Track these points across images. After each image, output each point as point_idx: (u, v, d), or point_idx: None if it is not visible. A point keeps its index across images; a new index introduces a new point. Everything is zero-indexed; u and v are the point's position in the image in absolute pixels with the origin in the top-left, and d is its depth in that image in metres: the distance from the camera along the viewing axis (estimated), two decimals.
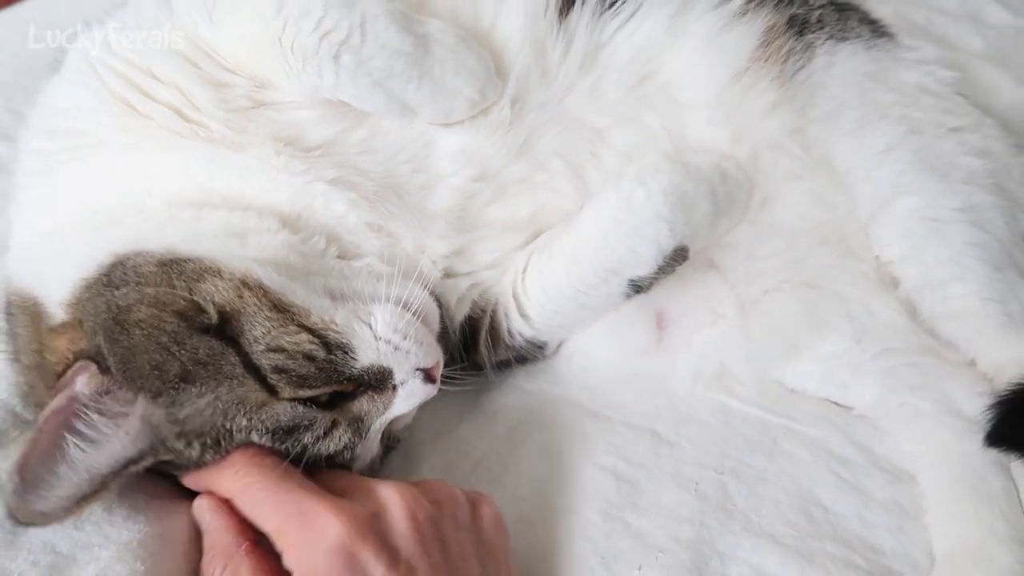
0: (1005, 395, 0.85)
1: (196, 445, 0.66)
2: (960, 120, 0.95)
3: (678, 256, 0.83)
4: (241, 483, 0.65)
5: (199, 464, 0.67)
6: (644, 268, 0.82)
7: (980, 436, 0.84)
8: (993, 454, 0.84)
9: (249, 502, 0.65)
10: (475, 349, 0.88)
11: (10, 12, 1.32)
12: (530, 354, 0.91)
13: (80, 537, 0.65)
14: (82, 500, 0.63)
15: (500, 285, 0.88)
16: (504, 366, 0.90)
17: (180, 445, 0.65)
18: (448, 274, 0.85)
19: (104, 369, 0.65)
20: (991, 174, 0.91)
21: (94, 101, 0.76)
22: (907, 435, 0.88)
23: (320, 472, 0.68)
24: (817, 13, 0.96)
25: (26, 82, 1.12)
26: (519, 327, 0.87)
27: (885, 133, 0.91)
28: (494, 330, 0.88)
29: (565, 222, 0.87)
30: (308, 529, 0.62)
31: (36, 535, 0.65)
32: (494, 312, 0.87)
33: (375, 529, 0.62)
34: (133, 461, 0.65)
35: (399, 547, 0.62)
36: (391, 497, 0.65)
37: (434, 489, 0.69)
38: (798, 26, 0.93)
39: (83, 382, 0.64)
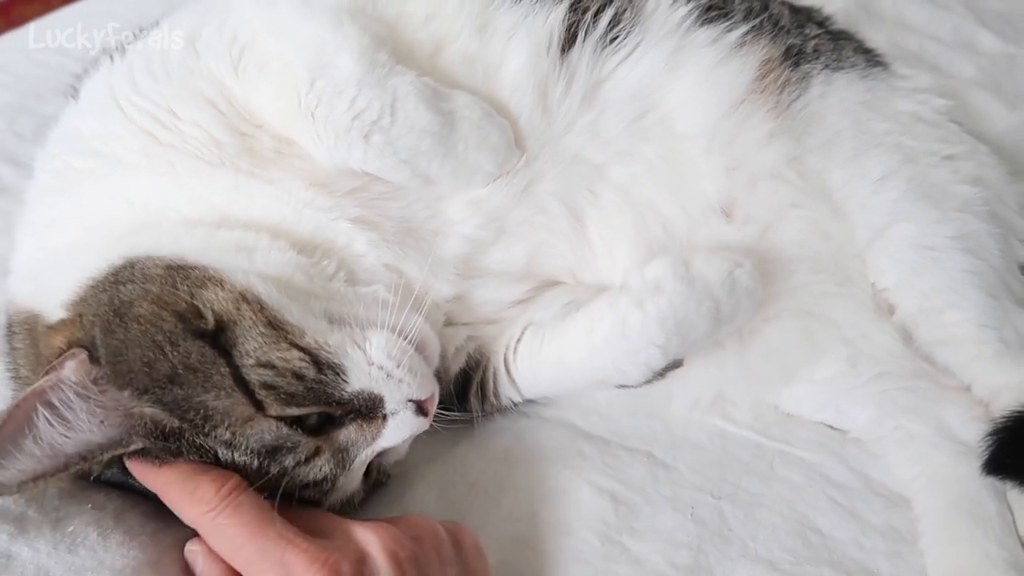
0: (1003, 422, 0.85)
1: (173, 445, 0.65)
2: (954, 148, 0.96)
3: (671, 367, 0.83)
4: (213, 523, 0.63)
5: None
6: (632, 383, 0.82)
7: (975, 460, 0.84)
8: (988, 478, 0.84)
9: (226, 546, 0.63)
10: (465, 398, 0.88)
11: (14, 35, 1.33)
12: (519, 407, 0.91)
13: (74, 562, 0.65)
14: (39, 478, 0.63)
15: (495, 344, 0.88)
16: (491, 415, 0.91)
17: (153, 443, 0.65)
18: (449, 322, 0.86)
19: (95, 359, 0.65)
20: (985, 202, 0.92)
21: (120, 129, 0.77)
22: (902, 459, 0.89)
23: (294, 508, 0.67)
24: (813, 43, 0.98)
25: (31, 105, 1.12)
26: (506, 391, 0.88)
27: (880, 162, 0.92)
28: (483, 385, 0.88)
29: (563, 290, 0.88)
30: None
31: (30, 559, 0.64)
32: (484, 370, 0.88)
33: None
34: (102, 448, 0.64)
35: None
36: (371, 540, 0.64)
37: (414, 525, 0.68)
38: (794, 56, 0.95)
39: (72, 367, 0.64)
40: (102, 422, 0.64)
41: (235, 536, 0.62)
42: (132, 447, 0.65)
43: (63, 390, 0.63)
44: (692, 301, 0.79)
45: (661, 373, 0.82)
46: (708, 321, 0.80)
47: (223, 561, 0.64)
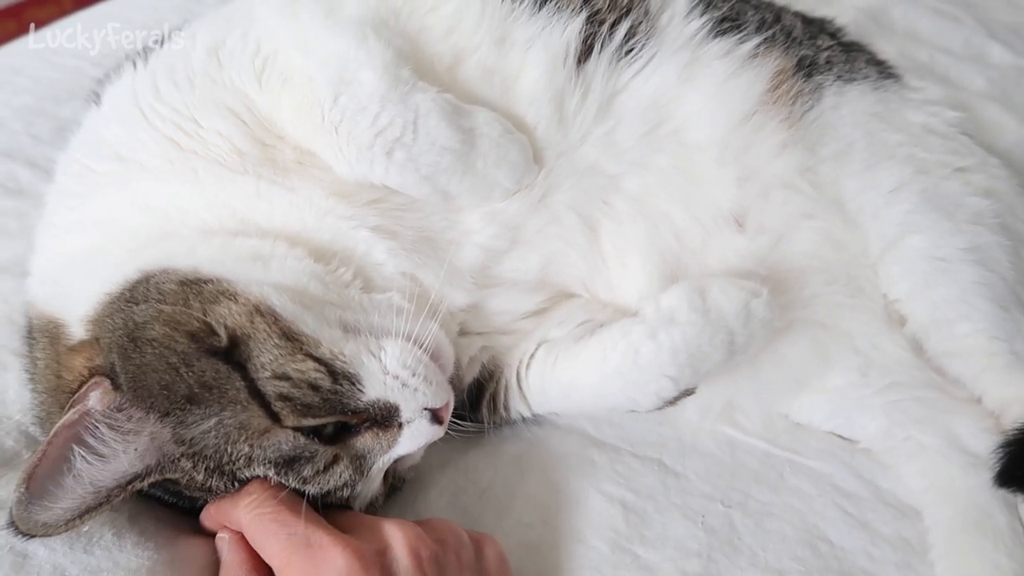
0: (1014, 435, 0.85)
1: (201, 467, 0.66)
2: (966, 160, 0.97)
3: (683, 395, 0.83)
4: (254, 512, 0.66)
5: (204, 488, 0.67)
6: (643, 410, 0.83)
7: (985, 472, 0.84)
8: (999, 490, 0.84)
9: (260, 533, 0.66)
10: (476, 409, 0.89)
11: (29, 39, 1.34)
12: (528, 421, 0.92)
13: (90, 562, 0.66)
14: (84, 513, 0.64)
15: (509, 357, 0.89)
16: (500, 427, 0.91)
17: (187, 465, 0.66)
18: (463, 331, 0.87)
19: (117, 386, 0.65)
20: (996, 214, 0.92)
21: (143, 136, 0.78)
22: (912, 470, 0.89)
23: (321, 510, 0.69)
24: (825, 54, 0.98)
25: (48, 107, 1.13)
26: (517, 405, 0.89)
27: (892, 173, 0.92)
28: (495, 397, 0.89)
29: (577, 306, 0.89)
30: (314, 564, 0.62)
31: (46, 559, 0.65)
32: (497, 382, 0.89)
33: (380, 565, 0.63)
34: (138, 477, 0.65)
35: None
36: (395, 534, 0.66)
37: (438, 528, 0.70)
38: (807, 67, 0.95)
39: (96, 397, 0.65)
40: (136, 449, 0.65)
41: (270, 522, 0.65)
42: (168, 475, 0.66)
43: (92, 423, 0.64)
44: (706, 333, 0.79)
45: (672, 401, 0.82)
46: (722, 352, 0.80)
47: (248, 549, 0.67)
